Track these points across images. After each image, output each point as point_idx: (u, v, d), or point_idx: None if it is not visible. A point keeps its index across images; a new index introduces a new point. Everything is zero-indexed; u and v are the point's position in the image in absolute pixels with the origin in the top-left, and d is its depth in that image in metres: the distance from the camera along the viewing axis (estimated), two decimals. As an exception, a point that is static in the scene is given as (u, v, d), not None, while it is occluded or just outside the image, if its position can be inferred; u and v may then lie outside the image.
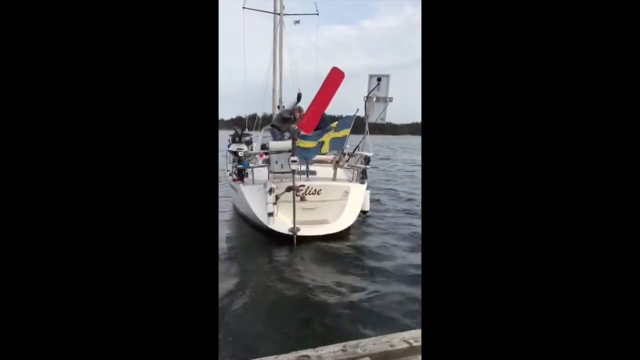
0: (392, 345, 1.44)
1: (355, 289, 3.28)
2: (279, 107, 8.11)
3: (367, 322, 2.73)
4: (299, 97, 6.00)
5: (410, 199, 8.40)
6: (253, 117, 9.20)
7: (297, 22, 8.52)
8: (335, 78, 5.05)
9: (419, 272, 3.35)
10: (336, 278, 3.48)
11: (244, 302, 3.01)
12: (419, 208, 5.87)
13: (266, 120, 8.84)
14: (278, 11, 8.10)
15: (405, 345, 1.44)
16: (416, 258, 4.05)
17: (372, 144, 5.99)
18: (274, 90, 8.72)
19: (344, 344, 1.45)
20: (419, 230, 4.37)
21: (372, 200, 6.35)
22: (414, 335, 1.51)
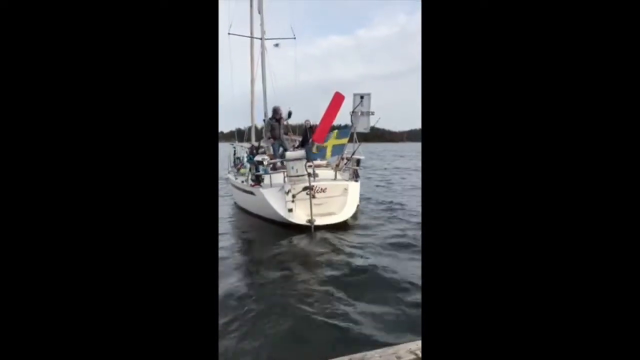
0: (398, 357, 1.43)
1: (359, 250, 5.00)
2: (264, 120, 9.48)
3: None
4: (290, 114, 7.36)
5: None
6: (251, 129, 10.54)
7: (277, 45, 9.84)
8: (337, 100, 6.62)
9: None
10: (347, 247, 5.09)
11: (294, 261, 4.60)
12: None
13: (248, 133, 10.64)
14: (259, 36, 9.51)
15: (411, 357, 1.43)
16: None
17: (368, 152, 6.86)
18: (252, 106, 10.35)
19: (350, 356, 1.43)
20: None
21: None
22: (420, 346, 1.50)
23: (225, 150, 10.12)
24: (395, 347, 1.50)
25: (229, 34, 9.84)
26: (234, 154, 10.19)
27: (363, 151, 7.25)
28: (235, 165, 9.69)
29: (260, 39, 9.50)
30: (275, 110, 7.26)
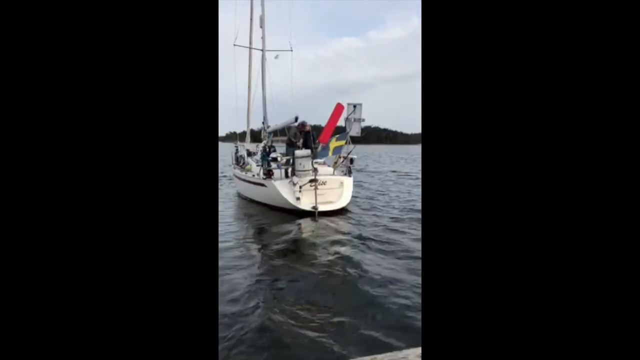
0: (408, 362, 1.42)
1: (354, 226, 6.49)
2: (263, 123, 11.08)
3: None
4: (296, 119, 8.64)
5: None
6: (259, 131, 11.81)
7: (277, 57, 11.18)
8: (338, 109, 8.20)
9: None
10: (346, 228, 6.39)
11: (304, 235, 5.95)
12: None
13: (246, 135, 12.56)
14: (261, 47, 11.12)
15: (421, 362, 1.42)
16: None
17: (376, 153, 8.26)
18: (248, 111, 12.06)
19: (360, 359, 1.43)
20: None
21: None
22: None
23: (229, 150, 11.63)
24: (405, 352, 1.49)
25: (234, 45, 11.21)
26: (236, 152, 11.38)
27: (369, 153, 8.20)
28: (237, 162, 10.75)
29: (261, 50, 10.92)
30: (303, 125, 8.55)
